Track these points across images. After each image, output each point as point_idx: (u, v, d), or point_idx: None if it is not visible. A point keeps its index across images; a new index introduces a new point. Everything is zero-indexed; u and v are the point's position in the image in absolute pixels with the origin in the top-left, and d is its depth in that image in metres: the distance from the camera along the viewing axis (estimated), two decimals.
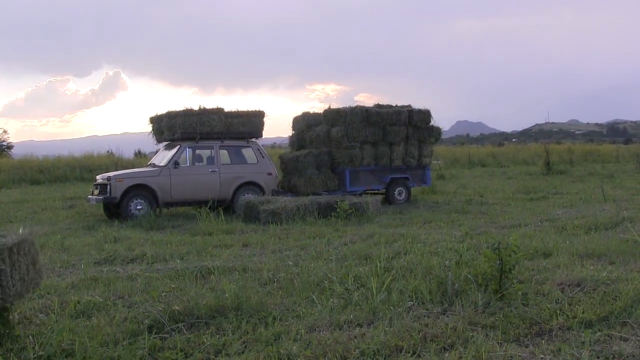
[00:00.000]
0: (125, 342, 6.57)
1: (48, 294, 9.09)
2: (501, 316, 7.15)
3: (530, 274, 9.35)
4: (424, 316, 7.34)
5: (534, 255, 10.88)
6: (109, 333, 6.85)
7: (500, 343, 6.42)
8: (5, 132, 65.27)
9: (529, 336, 6.68)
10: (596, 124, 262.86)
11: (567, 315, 7.24)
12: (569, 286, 8.55)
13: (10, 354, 6.35)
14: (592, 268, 9.72)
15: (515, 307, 7.44)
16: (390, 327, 6.89)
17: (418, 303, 7.88)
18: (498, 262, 7.85)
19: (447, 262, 9.69)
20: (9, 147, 63.82)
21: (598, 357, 6.06)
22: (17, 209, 23.36)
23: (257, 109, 23.17)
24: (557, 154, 48.40)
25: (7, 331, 6.78)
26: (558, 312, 7.36)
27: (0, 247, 6.12)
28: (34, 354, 6.25)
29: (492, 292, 7.82)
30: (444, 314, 7.41)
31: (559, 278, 8.98)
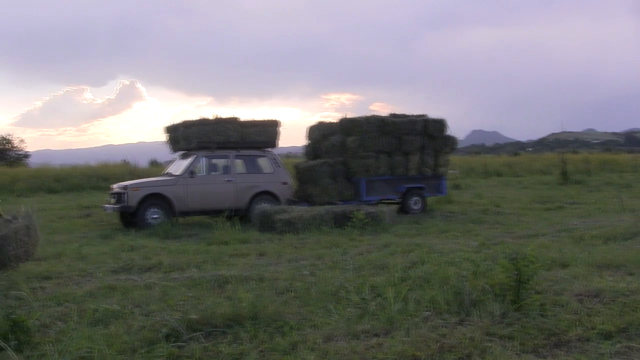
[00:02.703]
0: (142, 351, 6.59)
1: (66, 301, 9.11)
2: (519, 327, 7.12)
3: (547, 284, 9.29)
4: (441, 326, 7.31)
5: (551, 265, 10.83)
6: (126, 341, 6.86)
7: (518, 354, 6.38)
8: (22, 141, 65.45)
9: (547, 347, 6.65)
10: (613, 133, 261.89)
11: (586, 327, 7.21)
12: (587, 297, 8.52)
13: None
14: (610, 279, 9.67)
15: (533, 318, 7.41)
16: (407, 337, 6.87)
17: (435, 313, 7.84)
18: (515, 273, 7.82)
19: (463, 272, 9.64)
20: (26, 156, 63.97)
21: None
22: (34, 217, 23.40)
23: (273, 119, 23.25)
24: (574, 163, 48.17)
25: (26, 338, 6.83)
26: (576, 323, 7.33)
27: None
28: None
29: (510, 303, 7.78)
30: (461, 324, 7.37)
31: (577, 289, 8.95)
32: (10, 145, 63.36)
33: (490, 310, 7.68)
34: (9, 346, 6.55)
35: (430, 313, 7.83)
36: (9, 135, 64.43)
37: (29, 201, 31.08)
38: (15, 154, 62.63)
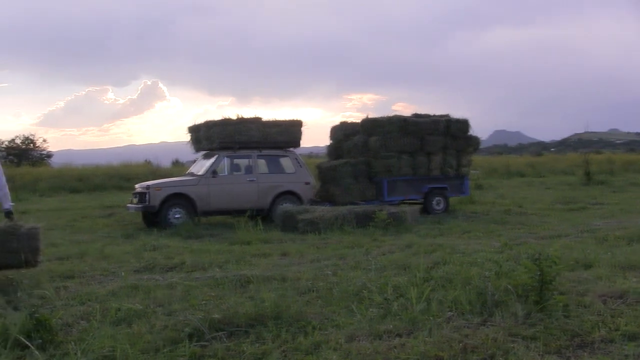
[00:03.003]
0: (165, 350, 6.61)
1: (89, 300, 9.15)
2: (542, 328, 7.09)
3: (570, 285, 9.24)
4: (464, 327, 7.29)
5: (575, 266, 10.77)
6: (149, 340, 6.88)
7: (542, 355, 6.36)
8: (45, 141, 65.66)
9: (571, 348, 6.62)
10: (637, 134, 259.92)
11: (610, 328, 7.18)
12: (610, 298, 8.48)
13: (53, 359, 6.39)
14: (634, 280, 9.62)
15: (556, 319, 7.38)
16: (430, 337, 6.85)
17: (457, 313, 7.82)
18: (538, 273, 7.79)
19: (486, 272, 9.61)
20: (49, 155, 64.21)
21: None
22: (57, 217, 23.48)
23: (295, 119, 23.23)
24: (597, 163, 47.87)
25: (50, 337, 6.86)
26: (600, 324, 7.29)
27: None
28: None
29: (533, 304, 7.75)
30: (484, 325, 7.35)
31: (601, 290, 8.90)
32: (33, 145, 63.65)
33: (513, 311, 7.65)
34: (33, 345, 6.59)
35: (453, 313, 7.81)
36: (32, 135, 64.75)
37: (51, 201, 31.26)
38: (38, 154, 62.90)
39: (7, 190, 11.54)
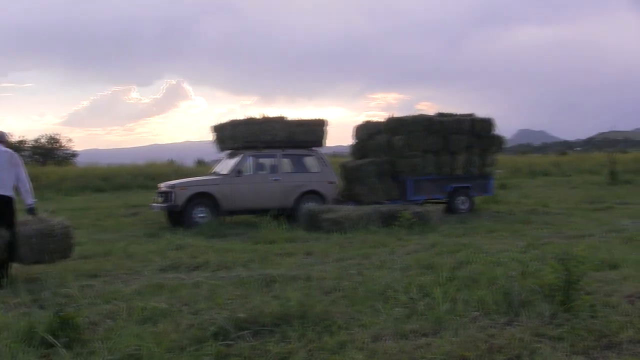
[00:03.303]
0: (191, 349, 6.62)
1: (114, 299, 9.15)
2: (568, 328, 7.06)
3: (597, 285, 9.19)
4: (490, 327, 7.28)
5: (601, 266, 10.70)
6: (174, 339, 6.89)
7: (568, 355, 6.34)
8: (70, 140, 65.91)
9: (597, 349, 6.58)
10: None
11: (637, 328, 7.13)
12: (638, 298, 8.45)
13: (79, 358, 6.45)
14: None
15: (583, 319, 7.34)
16: (456, 337, 6.84)
17: (483, 313, 7.80)
18: (564, 273, 7.75)
19: (511, 272, 9.59)
20: (74, 155, 64.47)
21: None
22: (82, 216, 23.55)
23: (319, 118, 23.17)
24: (623, 163, 47.52)
25: (76, 335, 6.88)
26: (627, 324, 7.24)
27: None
28: (102, 358, 6.33)
29: (559, 304, 7.72)
30: (510, 325, 7.34)
31: (627, 290, 8.87)
32: (58, 144, 63.92)
33: (539, 311, 7.63)
34: (59, 343, 6.62)
35: (478, 313, 7.79)
36: (57, 134, 65.04)
37: (76, 200, 31.38)
38: (63, 153, 63.17)
39: (29, 186, 11.65)
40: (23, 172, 11.57)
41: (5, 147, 11.57)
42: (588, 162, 57.37)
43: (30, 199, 11.70)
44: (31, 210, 11.77)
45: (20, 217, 11.70)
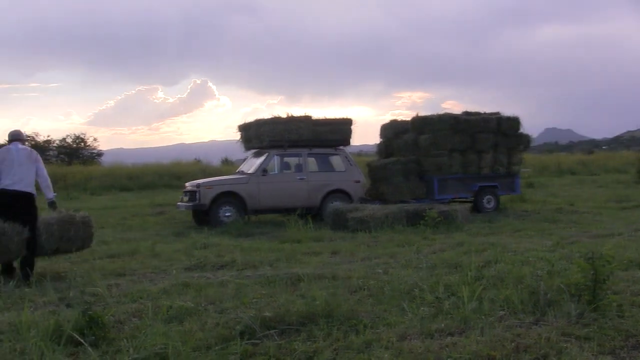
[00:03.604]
0: (217, 348, 6.62)
1: (140, 298, 9.19)
2: (595, 328, 7.01)
3: (624, 285, 9.12)
4: (516, 326, 7.23)
5: (629, 265, 10.63)
6: (201, 338, 6.90)
7: (596, 355, 6.29)
8: (95, 139, 66.23)
9: (625, 349, 6.53)
10: None
11: None
12: None
13: (105, 356, 6.47)
14: None
15: (610, 319, 7.28)
16: (482, 336, 6.80)
17: (510, 313, 7.76)
18: (591, 273, 7.71)
19: (538, 271, 9.56)
20: (99, 154, 64.77)
21: None
22: (108, 215, 23.67)
23: (345, 117, 23.23)
24: None
25: (102, 334, 6.90)
26: None
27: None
28: (128, 357, 6.34)
29: (586, 303, 7.67)
30: (537, 324, 7.29)
31: None
32: (84, 144, 64.21)
33: (566, 310, 7.57)
34: (86, 341, 6.64)
35: (505, 313, 7.75)
36: (83, 134, 65.30)
37: (102, 199, 31.53)
38: (89, 153, 63.46)
39: (49, 182, 12.08)
40: (42, 168, 12.05)
41: (23, 145, 12.07)
42: (615, 161, 57.08)
43: (50, 194, 12.19)
44: (52, 204, 12.27)
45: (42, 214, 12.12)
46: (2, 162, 11.62)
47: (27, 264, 11.42)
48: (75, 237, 12.02)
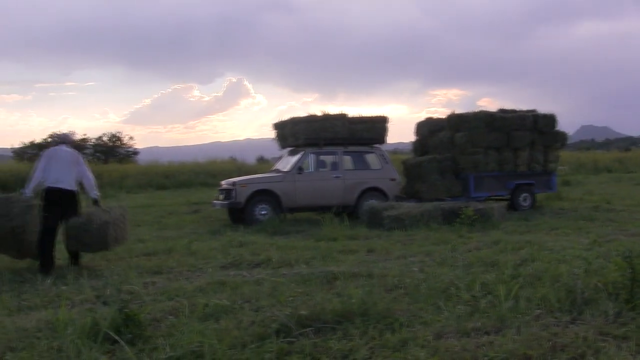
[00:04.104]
0: (253, 346, 6.62)
1: (177, 296, 9.22)
2: (634, 327, 6.94)
3: None
4: (553, 325, 7.19)
5: None
6: (237, 336, 6.91)
7: (634, 355, 6.23)
8: (131, 138, 66.67)
9: None
10: None
11: None
12: None
13: (142, 354, 6.48)
14: None
15: None
16: (519, 335, 6.77)
17: (546, 311, 7.72)
18: (629, 271, 7.66)
19: (575, 270, 9.51)
20: (135, 153, 65.13)
21: None
22: (144, 213, 23.81)
23: (381, 115, 23.22)
24: None
25: (139, 332, 6.93)
26: None
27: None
28: (165, 355, 6.37)
29: (623, 302, 7.62)
30: (573, 323, 7.24)
31: None
32: (119, 142, 64.60)
33: (604, 309, 7.53)
34: (123, 339, 6.68)
35: (541, 311, 7.70)
36: (119, 132, 65.67)
37: (138, 197, 31.70)
38: (125, 151, 63.84)
39: (92, 181, 13.03)
40: (86, 169, 13.00)
41: (68, 147, 12.94)
42: None
43: (93, 193, 13.02)
44: (95, 202, 13.04)
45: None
46: (48, 162, 12.56)
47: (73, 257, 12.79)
48: (90, 242, 12.47)
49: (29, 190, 12.39)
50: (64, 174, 12.57)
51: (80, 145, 54.40)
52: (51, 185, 12.47)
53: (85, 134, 63.48)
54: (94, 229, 12.29)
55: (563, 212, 21.46)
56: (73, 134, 13.91)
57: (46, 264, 12.13)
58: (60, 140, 13.45)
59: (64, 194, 12.53)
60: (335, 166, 22.02)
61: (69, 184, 12.60)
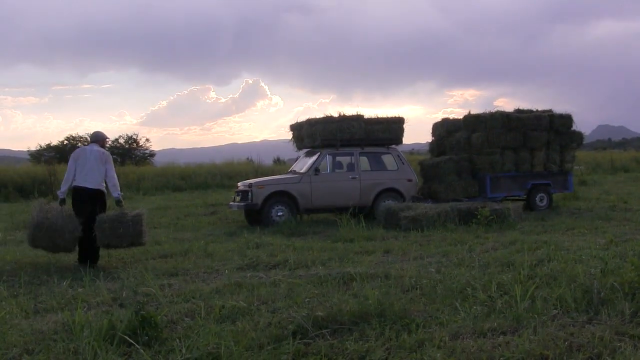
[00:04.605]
0: (269, 347, 6.66)
1: (193, 298, 9.27)
2: None
3: None
4: (569, 325, 7.19)
5: None
6: (253, 337, 6.94)
7: None
8: (147, 140, 66.75)
9: None
10: None
11: None
12: None
13: (158, 356, 6.52)
14: None
15: None
16: (535, 335, 6.78)
17: (563, 311, 7.72)
18: None
19: (592, 270, 9.50)
20: (152, 154, 65.25)
21: None
22: (161, 215, 23.84)
23: (397, 115, 23.18)
24: None
25: (155, 334, 6.97)
26: None
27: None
28: (181, 357, 6.40)
29: None
30: (590, 323, 7.25)
31: None
32: (136, 144, 64.76)
33: (620, 309, 7.53)
34: (140, 341, 6.72)
35: (558, 311, 7.71)
36: (135, 134, 65.84)
37: (154, 199, 31.74)
38: (142, 153, 63.99)
39: (116, 182, 13.52)
40: (111, 169, 13.49)
41: (99, 146, 13.55)
42: None
43: (115, 193, 13.48)
44: (118, 202, 13.48)
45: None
46: (77, 161, 13.35)
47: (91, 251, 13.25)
48: (125, 234, 12.87)
49: (62, 192, 13.39)
50: (90, 173, 13.19)
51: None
52: (78, 184, 13.20)
53: None
54: (129, 221, 12.86)
55: (579, 212, 21.42)
56: (103, 134, 14.35)
57: (80, 258, 13.20)
58: (92, 139, 14.15)
59: (90, 192, 13.19)
60: (351, 167, 22.01)
61: (95, 183, 13.23)
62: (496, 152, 22.78)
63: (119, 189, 13.54)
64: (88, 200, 13.17)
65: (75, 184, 13.28)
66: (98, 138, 14.00)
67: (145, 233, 13.32)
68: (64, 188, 13.42)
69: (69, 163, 13.50)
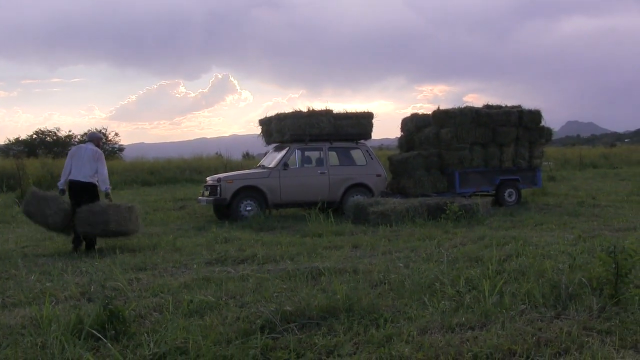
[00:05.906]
0: (238, 342, 6.62)
1: (161, 292, 9.22)
2: (617, 322, 6.97)
3: None
4: (537, 320, 7.21)
5: None
6: (221, 332, 6.91)
7: (617, 349, 6.25)
8: (117, 134, 66.38)
9: None
10: None
11: None
12: None
13: (126, 351, 6.47)
14: None
15: (632, 313, 7.25)
16: (503, 330, 6.80)
17: (531, 307, 7.74)
18: (613, 266, 7.68)
19: (560, 265, 9.54)
20: (121, 149, 64.90)
21: None
22: None
23: (366, 111, 23.14)
24: None
25: (123, 328, 6.93)
26: None
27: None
28: (149, 351, 6.36)
29: (608, 297, 7.66)
30: (558, 318, 7.27)
31: None
32: (105, 138, 64.42)
33: (588, 304, 7.56)
34: (107, 336, 6.67)
35: (526, 306, 7.73)
36: (104, 128, 65.39)
37: (123, 194, 31.62)
38: (110, 148, 63.62)
39: (105, 177, 14.94)
40: (103, 167, 14.96)
41: (93, 145, 15.25)
42: (638, 154, 56.96)
43: (104, 187, 14.93)
44: (107, 195, 15.07)
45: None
46: (73, 157, 14.95)
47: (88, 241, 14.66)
48: (95, 222, 14.14)
49: (61, 184, 14.99)
50: (82, 168, 14.71)
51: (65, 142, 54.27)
52: (72, 178, 14.78)
53: (70, 131, 63.35)
54: (100, 212, 14.15)
55: (548, 208, 21.52)
56: (99, 135, 16.39)
57: (74, 241, 14.51)
58: (88, 138, 15.94)
59: (81, 185, 14.67)
60: (320, 162, 21.99)
61: (86, 177, 14.69)
62: (465, 148, 22.81)
63: (107, 183, 15.02)
64: (79, 191, 14.63)
65: (70, 178, 14.82)
66: (93, 138, 15.82)
67: (127, 224, 14.56)
68: (62, 180, 14.99)
69: (66, 159, 15.15)
